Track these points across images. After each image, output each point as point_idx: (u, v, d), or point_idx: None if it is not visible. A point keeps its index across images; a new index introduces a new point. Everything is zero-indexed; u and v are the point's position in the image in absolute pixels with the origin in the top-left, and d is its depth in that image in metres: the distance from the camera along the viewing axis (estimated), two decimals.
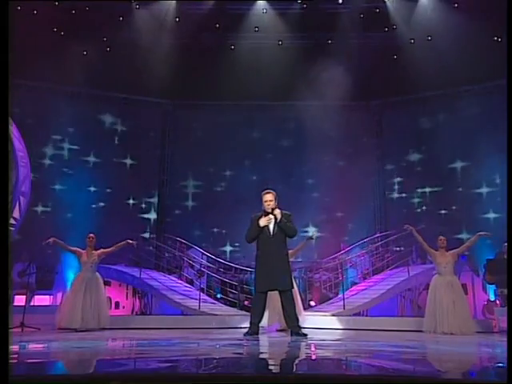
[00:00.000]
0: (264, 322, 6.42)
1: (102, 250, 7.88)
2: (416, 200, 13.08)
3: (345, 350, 4.60)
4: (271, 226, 5.96)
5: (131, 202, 13.37)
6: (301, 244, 8.36)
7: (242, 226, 6.38)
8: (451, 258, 7.40)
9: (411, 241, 10.58)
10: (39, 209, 12.19)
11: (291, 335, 5.85)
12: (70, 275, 9.76)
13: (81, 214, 11.57)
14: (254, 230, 5.97)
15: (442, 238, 7.58)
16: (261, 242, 5.97)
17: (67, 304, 7.50)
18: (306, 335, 5.75)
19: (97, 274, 7.78)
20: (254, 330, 5.84)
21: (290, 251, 8.22)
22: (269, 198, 5.96)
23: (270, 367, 3.33)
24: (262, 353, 4.27)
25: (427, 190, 12.96)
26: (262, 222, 5.91)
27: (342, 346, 4.92)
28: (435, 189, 12.84)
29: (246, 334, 5.85)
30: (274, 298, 7.25)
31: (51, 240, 7.64)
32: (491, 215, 11.76)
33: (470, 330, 7.08)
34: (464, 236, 11.55)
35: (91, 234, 7.91)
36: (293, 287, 6.04)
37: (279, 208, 6.00)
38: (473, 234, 10.63)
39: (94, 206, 12.65)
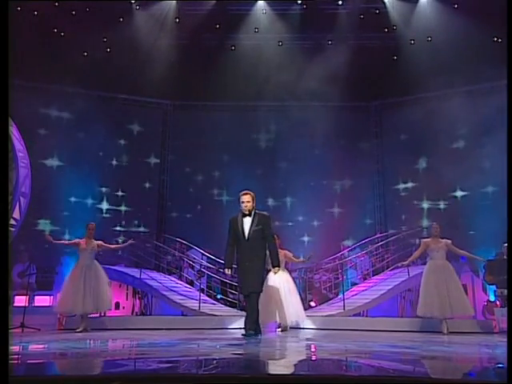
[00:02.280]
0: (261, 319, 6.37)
1: (102, 242, 7.97)
2: (416, 201, 13.07)
3: (345, 350, 4.60)
4: (247, 229, 5.87)
5: (132, 201, 13.36)
6: (301, 260, 8.60)
7: None
8: (444, 245, 7.52)
9: (411, 241, 10.60)
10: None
11: (245, 334, 5.75)
12: None
13: (78, 215, 11.60)
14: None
15: (435, 225, 7.72)
16: (238, 245, 5.95)
17: (66, 291, 7.58)
18: (254, 335, 5.64)
19: (95, 261, 7.83)
20: (256, 331, 5.79)
21: (291, 254, 8.25)
22: (246, 200, 5.91)
23: (271, 368, 3.33)
24: (262, 353, 4.27)
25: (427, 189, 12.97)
26: (227, 272, 6.15)
27: (342, 347, 4.92)
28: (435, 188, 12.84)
29: (245, 334, 5.77)
30: (269, 294, 7.26)
31: (52, 241, 7.84)
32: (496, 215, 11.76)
33: (466, 310, 7.23)
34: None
35: (91, 223, 8.00)
36: (260, 291, 5.90)
37: (257, 209, 5.98)
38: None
39: (92, 202, 12.67)
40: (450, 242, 7.60)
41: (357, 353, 4.33)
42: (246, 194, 5.97)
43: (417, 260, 10.48)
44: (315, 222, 13.07)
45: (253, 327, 5.69)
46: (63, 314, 7.80)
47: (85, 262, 7.71)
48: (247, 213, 5.89)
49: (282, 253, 8.03)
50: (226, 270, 6.06)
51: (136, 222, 13.26)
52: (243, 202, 5.92)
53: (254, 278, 5.78)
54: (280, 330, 7.74)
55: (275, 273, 6.17)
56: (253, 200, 5.95)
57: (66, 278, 7.89)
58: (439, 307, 7.16)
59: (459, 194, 12.44)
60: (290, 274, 8.37)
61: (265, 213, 6.05)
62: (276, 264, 6.04)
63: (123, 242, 11.36)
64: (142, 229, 13.16)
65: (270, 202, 12.98)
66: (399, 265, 8.36)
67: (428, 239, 7.65)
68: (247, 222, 5.88)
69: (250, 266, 5.77)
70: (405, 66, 11.54)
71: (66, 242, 8.01)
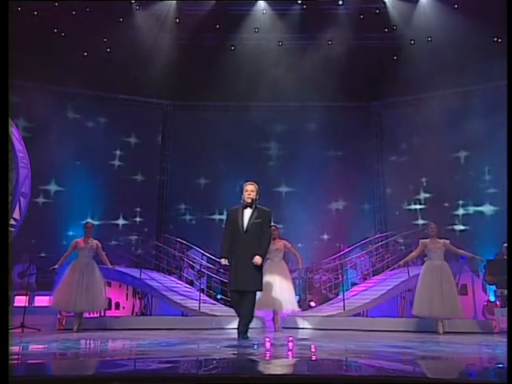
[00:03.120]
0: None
1: (100, 247, 7.97)
2: (416, 201, 13.08)
3: (345, 350, 4.60)
4: (246, 221, 5.52)
5: (132, 202, 13.36)
6: (298, 254, 8.29)
7: None
8: (442, 245, 7.55)
9: (412, 241, 10.60)
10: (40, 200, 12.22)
11: (238, 336, 5.38)
12: None
13: (79, 216, 11.64)
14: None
15: (432, 225, 7.73)
16: (234, 237, 5.56)
17: (63, 287, 7.64)
18: (246, 338, 5.33)
19: (93, 260, 7.89)
20: (241, 333, 5.37)
21: (289, 245, 8.17)
22: (250, 189, 5.61)
23: (270, 368, 3.33)
24: (262, 354, 4.27)
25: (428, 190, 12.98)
26: (223, 262, 5.56)
27: (342, 347, 4.92)
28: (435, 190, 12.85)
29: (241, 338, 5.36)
30: (270, 280, 7.23)
31: (56, 267, 7.88)
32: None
33: (456, 313, 7.29)
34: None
35: (89, 222, 8.02)
36: (260, 289, 5.55)
37: (258, 204, 5.63)
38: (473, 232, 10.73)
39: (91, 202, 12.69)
40: (448, 241, 7.62)
41: (357, 353, 4.33)
42: (251, 184, 5.70)
43: (416, 260, 10.52)
44: (315, 221, 13.04)
45: (244, 329, 5.40)
46: (59, 309, 7.88)
47: (83, 261, 7.76)
48: (250, 202, 5.56)
49: (280, 242, 8.02)
50: (223, 260, 5.56)
51: (136, 221, 13.27)
52: (247, 191, 5.61)
53: (252, 274, 5.39)
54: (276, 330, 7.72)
55: (255, 262, 5.37)
56: (257, 192, 5.63)
57: (63, 275, 7.92)
58: (431, 307, 7.20)
59: (461, 189, 12.45)
60: (287, 264, 8.32)
61: (266, 208, 5.71)
62: (261, 252, 5.45)
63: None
64: (141, 229, 13.18)
65: (270, 195, 12.94)
66: (396, 266, 8.38)
67: (426, 239, 7.66)
68: (247, 213, 5.56)
69: (247, 261, 5.38)
70: (405, 66, 11.54)
71: (66, 253, 8.01)
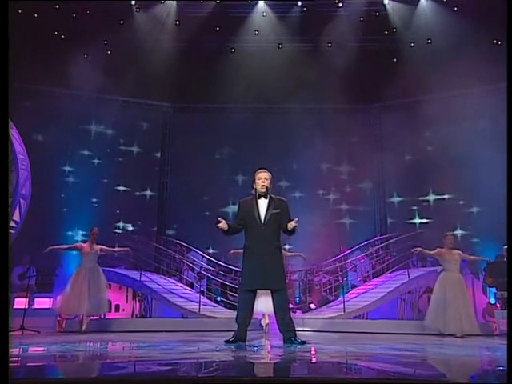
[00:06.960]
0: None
1: (104, 247, 8.16)
2: (417, 203, 13.08)
3: (345, 353, 4.59)
4: (263, 212, 4.98)
5: (132, 203, 13.36)
6: (291, 254, 8.19)
7: None
8: (459, 257, 7.41)
9: (411, 244, 10.57)
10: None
11: (284, 342, 4.92)
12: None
13: (79, 216, 11.66)
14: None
15: (450, 236, 7.54)
16: (250, 230, 5.02)
17: (70, 292, 7.71)
18: (303, 342, 4.89)
19: (97, 264, 8.02)
20: (240, 337, 4.92)
21: (285, 252, 8.16)
22: (264, 176, 5.06)
23: (271, 370, 3.33)
24: (262, 356, 4.26)
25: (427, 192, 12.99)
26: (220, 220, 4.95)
27: (342, 349, 4.91)
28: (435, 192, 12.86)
29: (228, 341, 4.92)
30: None
31: (47, 250, 7.93)
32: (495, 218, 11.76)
33: (472, 330, 7.10)
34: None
35: (95, 228, 8.14)
36: (287, 286, 5.10)
37: (273, 194, 5.14)
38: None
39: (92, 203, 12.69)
40: (461, 252, 7.48)
41: (357, 355, 4.32)
42: (264, 171, 5.13)
43: (417, 262, 10.52)
44: (314, 223, 13.02)
45: (292, 326, 4.92)
46: (66, 314, 7.97)
47: (88, 265, 7.87)
48: (264, 191, 5.01)
49: None
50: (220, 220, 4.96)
51: (136, 223, 13.28)
52: (260, 179, 5.05)
53: (277, 271, 4.92)
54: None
55: (293, 225, 4.90)
56: (270, 180, 5.09)
57: (70, 280, 7.95)
58: (445, 324, 7.03)
59: (461, 191, 12.44)
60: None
61: (282, 197, 5.20)
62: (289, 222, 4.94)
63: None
64: (141, 230, 13.18)
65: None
66: (412, 250, 7.89)
67: (442, 249, 7.45)
68: (262, 204, 5.01)
69: (269, 256, 4.87)
70: (405, 68, 11.55)
71: (65, 246, 8.15)
